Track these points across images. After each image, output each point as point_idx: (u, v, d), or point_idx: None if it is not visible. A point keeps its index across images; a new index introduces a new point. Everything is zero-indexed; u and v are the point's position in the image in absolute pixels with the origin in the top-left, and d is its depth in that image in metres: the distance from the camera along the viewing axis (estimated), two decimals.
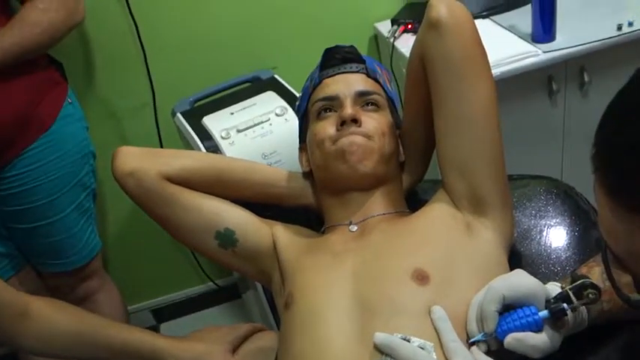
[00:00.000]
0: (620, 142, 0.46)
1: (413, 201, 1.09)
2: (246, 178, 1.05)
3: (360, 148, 0.94)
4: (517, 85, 1.47)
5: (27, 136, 1.38)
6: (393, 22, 1.72)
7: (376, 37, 1.86)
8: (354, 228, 0.97)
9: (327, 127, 0.98)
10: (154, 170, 0.98)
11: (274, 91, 1.53)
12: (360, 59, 1.05)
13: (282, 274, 0.98)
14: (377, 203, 0.98)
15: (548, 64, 1.46)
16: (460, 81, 0.89)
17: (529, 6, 1.50)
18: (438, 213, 0.92)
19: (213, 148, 1.39)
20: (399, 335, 0.76)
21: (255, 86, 1.62)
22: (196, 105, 1.61)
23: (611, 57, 1.49)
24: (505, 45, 1.52)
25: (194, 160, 1.04)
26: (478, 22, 1.62)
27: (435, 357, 0.74)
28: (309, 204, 1.08)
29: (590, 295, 0.73)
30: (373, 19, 1.83)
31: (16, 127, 1.35)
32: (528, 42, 1.51)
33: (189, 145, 1.50)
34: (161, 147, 1.79)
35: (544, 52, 1.46)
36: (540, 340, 0.74)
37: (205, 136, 1.43)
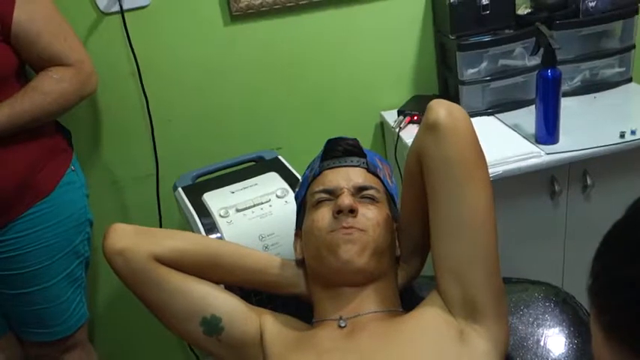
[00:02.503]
0: (618, 279, 0.45)
1: (408, 297, 1.06)
2: (238, 263, 1.03)
3: (354, 245, 0.93)
4: (519, 184, 1.47)
5: (25, 202, 1.38)
6: (400, 112, 1.75)
7: (382, 125, 1.89)
8: (344, 324, 0.94)
9: (324, 215, 0.98)
10: (145, 250, 0.96)
11: (277, 172, 1.54)
12: (361, 153, 1.06)
13: None
14: (369, 300, 0.96)
15: (551, 166, 1.47)
16: (456, 185, 0.89)
17: (533, 106, 1.53)
18: (430, 318, 0.90)
19: (210, 225, 1.38)
20: None
21: (259, 166, 1.63)
22: (198, 180, 1.61)
23: (614, 163, 1.50)
24: (509, 144, 1.53)
25: (186, 241, 1.02)
26: (483, 119, 1.69)
27: None
28: (300, 293, 1.06)
29: None
30: (380, 108, 1.86)
31: (16, 192, 1.35)
32: (532, 142, 1.52)
33: (187, 221, 1.49)
34: (160, 219, 1.79)
35: (547, 153, 1.47)
36: None
37: (204, 213, 1.42)
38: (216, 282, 1.03)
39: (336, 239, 0.94)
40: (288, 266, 1.06)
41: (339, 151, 1.05)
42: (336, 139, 1.07)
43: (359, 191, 1.00)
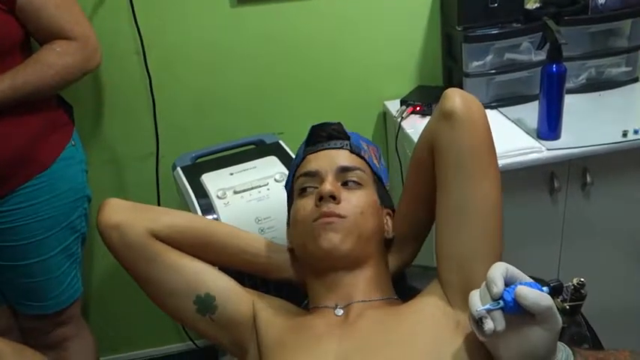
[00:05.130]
0: None
1: (401, 286, 1.06)
2: (231, 244, 1.02)
3: (336, 234, 0.92)
4: (519, 179, 1.46)
5: (24, 174, 1.38)
6: (402, 102, 1.74)
7: (384, 115, 1.88)
8: (340, 312, 0.93)
9: (306, 205, 0.97)
10: (142, 225, 0.96)
11: (277, 156, 1.54)
12: (344, 136, 1.04)
13: (260, 349, 0.95)
14: (361, 285, 0.95)
15: (551, 162, 1.46)
16: (468, 174, 0.88)
17: (537, 102, 1.52)
18: (428, 307, 0.89)
19: (207, 206, 1.38)
20: None
21: (259, 149, 1.63)
22: (198, 161, 1.61)
23: (615, 161, 1.49)
24: (510, 138, 1.53)
25: (182, 219, 1.02)
26: (486, 113, 1.67)
27: None
28: (289, 279, 1.05)
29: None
30: (383, 97, 1.86)
31: (15, 164, 1.35)
32: (533, 137, 1.51)
33: (184, 201, 1.49)
34: (158, 198, 1.79)
35: (548, 149, 1.46)
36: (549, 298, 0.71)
37: (201, 193, 1.43)
38: (210, 263, 1.02)
39: (318, 228, 0.93)
40: (280, 251, 1.05)
41: (322, 136, 1.04)
42: (319, 124, 1.06)
43: (342, 172, 0.99)
